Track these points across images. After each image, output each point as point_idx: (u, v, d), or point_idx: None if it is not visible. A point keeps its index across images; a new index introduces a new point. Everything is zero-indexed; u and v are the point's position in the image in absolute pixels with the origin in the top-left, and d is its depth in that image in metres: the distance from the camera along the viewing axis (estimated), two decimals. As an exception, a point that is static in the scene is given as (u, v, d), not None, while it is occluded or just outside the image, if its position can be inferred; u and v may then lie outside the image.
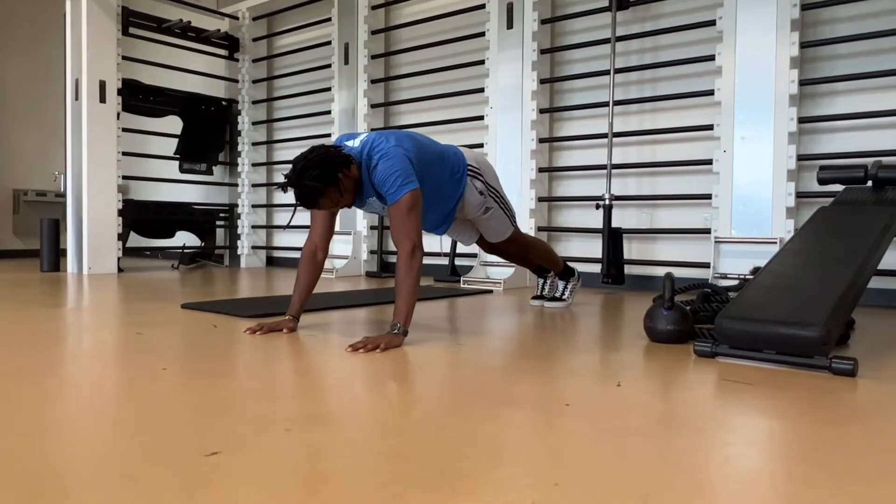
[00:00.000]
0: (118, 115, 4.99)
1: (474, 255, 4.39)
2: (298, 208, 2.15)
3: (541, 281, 3.23)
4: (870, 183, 2.57)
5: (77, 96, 4.89)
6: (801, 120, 3.42)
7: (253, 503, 0.86)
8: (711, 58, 3.57)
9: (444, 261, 4.52)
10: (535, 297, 3.21)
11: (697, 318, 2.33)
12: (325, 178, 2.05)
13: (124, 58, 5.05)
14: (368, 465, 1.02)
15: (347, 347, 1.94)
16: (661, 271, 3.95)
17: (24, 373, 1.62)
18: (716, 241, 3.49)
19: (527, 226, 4.21)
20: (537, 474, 0.98)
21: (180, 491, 0.90)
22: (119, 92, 4.99)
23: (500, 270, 4.11)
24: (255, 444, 1.10)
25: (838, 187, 2.74)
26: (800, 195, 3.40)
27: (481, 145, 4.43)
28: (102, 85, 4.90)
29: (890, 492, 0.93)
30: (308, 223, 2.36)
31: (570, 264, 3.23)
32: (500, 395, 1.47)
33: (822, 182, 2.67)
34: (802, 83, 3.39)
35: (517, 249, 2.98)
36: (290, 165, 2.08)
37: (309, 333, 2.25)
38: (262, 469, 0.98)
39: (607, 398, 1.45)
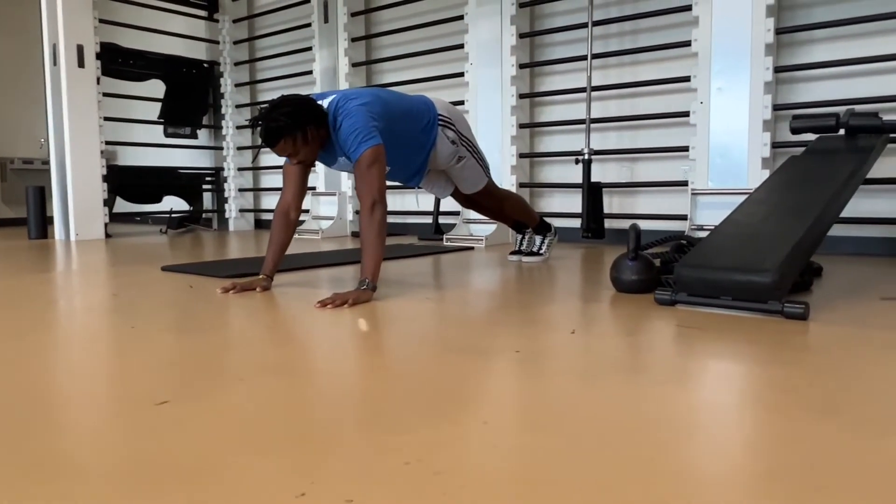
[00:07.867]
0: (98, 79, 4.95)
1: (457, 213, 4.41)
2: (264, 151, 2.17)
3: (519, 237, 3.25)
4: (842, 131, 2.58)
5: (55, 61, 4.84)
6: (779, 69, 3.40)
7: (189, 446, 0.90)
8: (689, 7, 3.53)
9: (429, 219, 4.54)
10: (513, 252, 3.25)
11: (670, 269, 2.36)
12: (294, 121, 2.09)
13: (101, 21, 4.98)
14: (307, 410, 1.07)
15: (316, 303, 1.98)
16: (641, 225, 3.96)
17: (-6, 334, 1.67)
18: (693, 193, 3.50)
19: (508, 182, 4.23)
20: (468, 413, 1.02)
21: (123, 436, 0.95)
22: (98, 56, 4.93)
23: (482, 227, 4.13)
24: (205, 393, 1.15)
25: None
26: (777, 145, 3.41)
27: (462, 102, 4.40)
28: (80, 49, 4.84)
29: (816, 426, 0.97)
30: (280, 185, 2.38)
31: (548, 220, 3.26)
32: (454, 345, 1.51)
33: (794, 131, 2.68)
34: (779, 31, 3.36)
35: (492, 202, 3.00)
36: None
37: (282, 291, 2.29)
38: (206, 416, 1.03)
39: (558, 345, 1.49)
